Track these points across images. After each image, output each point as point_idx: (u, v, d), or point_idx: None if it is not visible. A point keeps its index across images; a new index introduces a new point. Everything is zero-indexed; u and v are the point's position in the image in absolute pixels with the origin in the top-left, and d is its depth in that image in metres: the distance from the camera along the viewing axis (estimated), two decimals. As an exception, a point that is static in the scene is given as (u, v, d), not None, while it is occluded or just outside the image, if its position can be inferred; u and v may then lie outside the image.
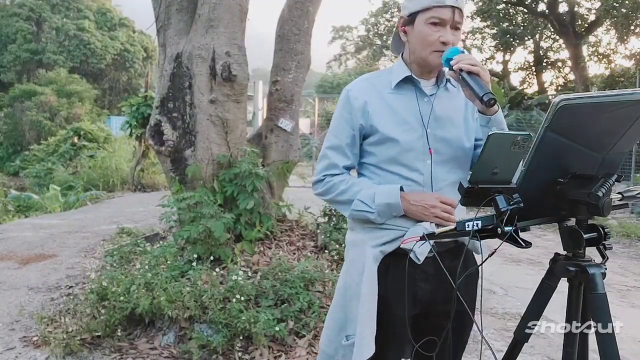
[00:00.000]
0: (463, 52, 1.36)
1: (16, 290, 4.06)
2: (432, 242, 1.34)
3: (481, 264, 1.22)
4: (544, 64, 21.26)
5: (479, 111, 1.41)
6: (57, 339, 2.84)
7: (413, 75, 1.48)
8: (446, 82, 1.53)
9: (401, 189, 1.44)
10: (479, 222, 1.17)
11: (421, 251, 1.38)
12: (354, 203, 1.46)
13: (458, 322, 1.44)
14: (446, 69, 1.47)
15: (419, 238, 1.38)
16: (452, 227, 1.25)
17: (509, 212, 1.11)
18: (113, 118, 24.44)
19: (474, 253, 1.55)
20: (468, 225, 1.19)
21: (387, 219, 1.45)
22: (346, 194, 1.49)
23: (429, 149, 1.45)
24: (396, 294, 1.44)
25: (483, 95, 1.27)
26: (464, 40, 21.97)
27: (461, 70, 1.32)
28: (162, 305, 2.81)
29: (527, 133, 1.14)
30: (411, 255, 1.39)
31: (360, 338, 1.40)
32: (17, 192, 12.02)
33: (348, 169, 1.55)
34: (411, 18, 1.44)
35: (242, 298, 2.88)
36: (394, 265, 1.46)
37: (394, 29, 1.56)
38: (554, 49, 21.11)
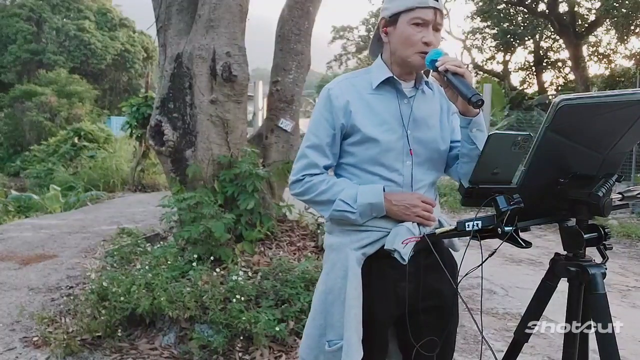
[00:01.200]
0: (446, 54, 1.37)
1: (16, 290, 4.06)
2: (429, 242, 1.35)
3: (481, 264, 1.22)
4: (544, 64, 21.24)
5: (460, 113, 1.40)
6: (58, 340, 2.84)
7: (394, 76, 1.48)
8: (424, 85, 1.53)
9: (383, 189, 1.44)
10: (480, 222, 1.18)
11: (405, 251, 1.39)
12: (335, 203, 1.45)
13: (442, 319, 1.48)
14: (425, 72, 1.49)
15: (419, 239, 1.38)
16: (453, 227, 1.25)
17: (509, 212, 1.11)
18: (113, 118, 24.43)
19: (451, 249, 1.57)
20: (468, 225, 1.19)
21: (368, 219, 1.45)
22: (327, 194, 1.47)
23: (410, 150, 1.46)
24: (379, 295, 1.45)
25: (472, 97, 1.27)
26: (463, 41, 21.99)
27: (446, 71, 1.32)
28: (162, 306, 2.81)
29: (528, 133, 1.14)
30: (396, 255, 1.39)
31: (348, 344, 1.39)
32: (18, 193, 12.01)
33: (327, 168, 1.54)
34: (393, 19, 1.44)
35: (243, 298, 2.88)
36: (376, 267, 1.46)
37: (374, 30, 1.56)
38: (554, 49, 21.09)
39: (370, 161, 1.47)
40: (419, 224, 1.42)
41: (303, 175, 1.52)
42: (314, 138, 1.51)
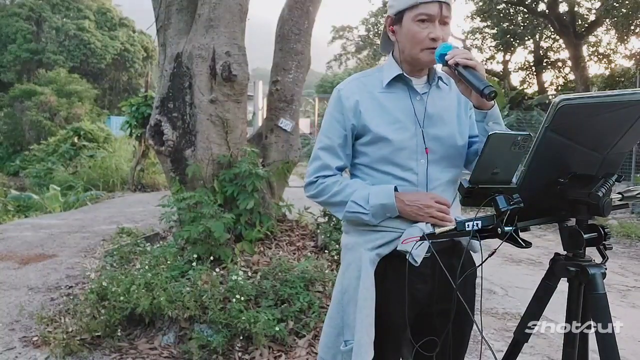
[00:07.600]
0: (456, 47, 1.34)
1: (16, 290, 4.06)
2: (429, 242, 1.34)
3: (481, 264, 1.22)
4: (544, 64, 21.24)
5: (475, 106, 1.38)
6: (57, 339, 2.84)
7: (404, 73, 1.46)
8: (437, 80, 1.51)
9: (395, 189, 1.42)
10: (479, 222, 1.17)
11: (418, 253, 1.36)
12: (347, 204, 1.44)
13: (457, 321, 1.42)
14: (438, 66, 1.45)
15: (418, 238, 1.37)
16: (452, 227, 1.25)
17: (509, 212, 1.11)
18: (113, 118, 24.43)
19: (470, 251, 1.53)
20: (468, 225, 1.19)
21: (382, 220, 1.43)
22: (339, 195, 1.47)
23: (425, 148, 1.43)
24: (394, 296, 1.43)
25: (484, 89, 1.24)
26: (463, 40, 21.98)
27: (457, 64, 1.29)
28: (162, 306, 2.80)
29: (527, 133, 1.14)
30: (408, 257, 1.37)
31: (358, 345, 1.38)
32: (17, 192, 12.02)
33: (341, 169, 1.53)
34: (398, 17, 1.42)
35: (242, 298, 2.88)
36: (391, 268, 1.44)
37: (383, 28, 1.54)
38: (554, 49, 21.09)
39: (382, 160, 1.45)
40: (433, 225, 1.39)
41: (316, 177, 1.52)
42: (326, 139, 1.51)
